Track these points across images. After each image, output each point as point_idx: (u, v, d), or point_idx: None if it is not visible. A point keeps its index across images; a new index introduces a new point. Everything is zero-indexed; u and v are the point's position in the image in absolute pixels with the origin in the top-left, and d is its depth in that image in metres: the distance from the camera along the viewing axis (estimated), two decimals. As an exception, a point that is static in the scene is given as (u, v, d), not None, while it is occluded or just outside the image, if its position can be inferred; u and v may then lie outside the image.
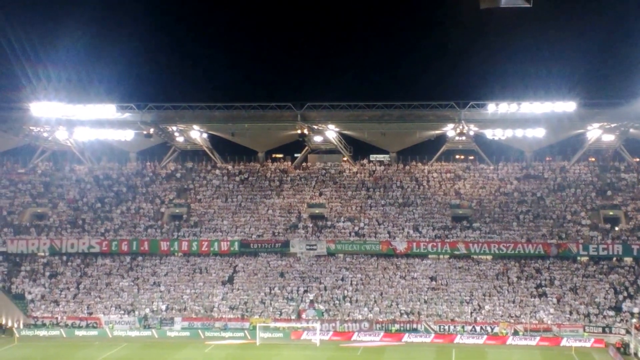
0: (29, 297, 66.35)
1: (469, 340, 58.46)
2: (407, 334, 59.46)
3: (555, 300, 62.69)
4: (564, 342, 57.12)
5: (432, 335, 59.55)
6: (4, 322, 63.94)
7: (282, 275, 67.61)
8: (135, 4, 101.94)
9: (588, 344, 56.81)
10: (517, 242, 67.59)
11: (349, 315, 62.46)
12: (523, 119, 67.81)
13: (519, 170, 77.18)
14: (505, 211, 71.86)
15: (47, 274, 68.96)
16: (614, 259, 66.72)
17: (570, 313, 61.15)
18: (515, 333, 59.17)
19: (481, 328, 60.05)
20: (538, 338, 58.00)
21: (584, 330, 59.01)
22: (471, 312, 62.03)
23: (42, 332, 61.92)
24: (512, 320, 60.48)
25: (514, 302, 62.85)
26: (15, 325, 62.85)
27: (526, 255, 67.33)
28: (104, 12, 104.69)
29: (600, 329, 59.06)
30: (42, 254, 70.86)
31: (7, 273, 69.23)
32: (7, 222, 73.47)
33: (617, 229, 69.18)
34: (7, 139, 77.01)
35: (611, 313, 60.73)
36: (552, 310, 61.50)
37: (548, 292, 63.60)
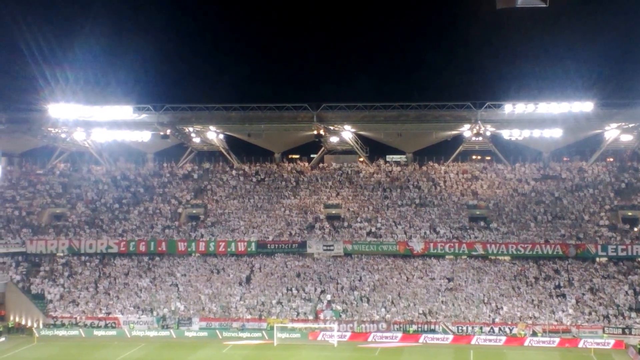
0: (48, 297, 66.85)
1: (487, 342, 58.18)
2: (424, 335, 59.20)
3: (574, 301, 62.22)
4: (583, 343, 56.72)
5: (450, 336, 59.30)
6: (23, 322, 64.60)
7: (299, 275, 67.66)
8: (151, 6, 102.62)
9: (607, 346, 56.33)
10: (535, 242, 67.19)
11: (366, 316, 62.39)
12: (540, 119, 67.56)
13: (537, 170, 76.80)
14: (522, 212, 71.48)
15: (66, 274, 69.46)
16: (634, 260, 66.13)
17: (590, 314, 60.66)
18: (534, 334, 58.77)
19: (499, 329, 59.71)
20: (557, 339, 57.61)
21: (604, 332, 58.51)
22: (489, 313, 61.71)
23: (61, 332, 62.38)
24: (530, 321, 60.10)
25: (532, 302, 62.45)
26: (35, 325, 63.43)
27: (544, 256, 66.89)
28: (120, 14, 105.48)
29: (620, 330, 58.54)
30: (61, 254, 71.42)
31: (26, 273, 69.80)
32: (26, 223, 74.17)
33: (636, 229, 68.59)
34: (25, 140, 77.74)
35: (631, 314, 60.21)
36: (571, 311, 61.03)
37: (567, 293, 63.14)
